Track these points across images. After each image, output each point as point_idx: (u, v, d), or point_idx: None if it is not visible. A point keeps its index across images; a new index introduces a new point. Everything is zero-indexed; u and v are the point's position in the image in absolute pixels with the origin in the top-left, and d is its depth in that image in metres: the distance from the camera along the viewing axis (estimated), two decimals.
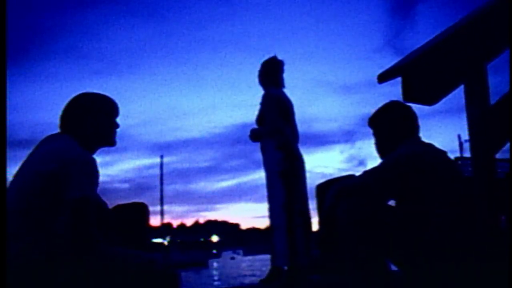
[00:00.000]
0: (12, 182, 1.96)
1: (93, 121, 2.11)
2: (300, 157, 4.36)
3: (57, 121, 2.12)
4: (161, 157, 49.86)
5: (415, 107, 2.31)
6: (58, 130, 2.09)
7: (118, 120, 2.23)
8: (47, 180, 1.85)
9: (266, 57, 4.58)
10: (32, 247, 1.79)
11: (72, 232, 1.81)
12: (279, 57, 4.56)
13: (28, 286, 1.76)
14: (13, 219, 1.82)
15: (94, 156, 2.07)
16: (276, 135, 4.24)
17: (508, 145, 2.22)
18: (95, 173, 1.95)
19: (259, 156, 4.46)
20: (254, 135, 4.42)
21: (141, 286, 1.88)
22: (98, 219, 1.93)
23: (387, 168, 2.16)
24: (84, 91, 2.19)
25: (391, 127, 2.35)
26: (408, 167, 2.10)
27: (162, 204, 46.28)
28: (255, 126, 4.45)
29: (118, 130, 2.22)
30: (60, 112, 2.13)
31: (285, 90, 4.55)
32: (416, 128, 2.35)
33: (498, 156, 2.24)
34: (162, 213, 46.26)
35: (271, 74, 4.49)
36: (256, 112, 4.47)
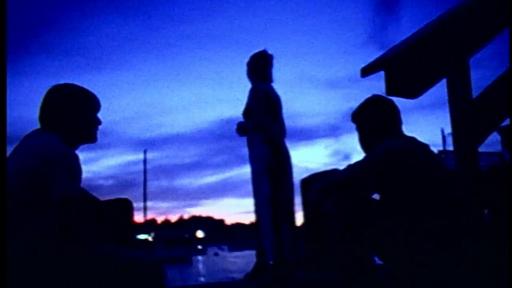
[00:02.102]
0: None
1: (73, 116, 2.06)
2: (287, 152, 4.35)
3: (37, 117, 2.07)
4: (145, 152, 49.23)
5: (398, 100, 2.33)
6: (39, 125, 2.06)
7: (99, 115, 2.18)
8: (30, 177, 1.82)
9: (254, 51, 4.56)
10: (17, 244, 1.77)
11: (56, 230, 1.79)
12: (269, 52, 4.55)
13: (13, 283, 1.74)
14: None
15: (77, 151, 2.05)
16: (263, 130, 4.23)
17: (490, 138, 2.25)
18: (78, 170, 1.92)
19: (244, 151, 4.44)
20: (241, 129, 4.40)
21: (127, 283, 1.86)
22: (85, 216, 1.91)
23: (371, 163, 2.17)
24: (63, 83, 2.13)
25: (374, 121, 2.36)
26: (391, 161, 2.11)
27: (145, 200, 46.00)
28: (242, 120, 4.43)
29: (99, 125, 2.17)
30: (39, 105, 2.07)
31: (273, 85, 4.54)
32: (399, 122, 2.36)
33: (481, 149, 2.26)
34: (145, 209, 46.03)
35: (260, 68, 4.47)
36: (243, 106, 4.45)
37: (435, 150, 2.32)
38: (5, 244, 1.73)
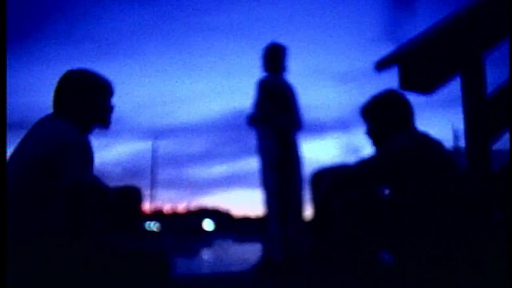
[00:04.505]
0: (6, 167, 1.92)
1: (86, 102, 2.05)
2: (296, 145, 4.33)
3: (50, 103, 2.07)
4: (154, 141, 49.56)
5: (411, 96, 2.30)
6: (51, 111, 2.05)
7: (113, 101, 2.16)
8: (41, 165, 1.81)
9: (267, 42, 4.57)
10: (25, 232, 1.77)
11: (66, 218, 1.79)
12: (281, 43, 4.55)
13: (19, 271, 1.74)
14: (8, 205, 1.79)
15: (90, 136, 2.04)
16: (270, 122, 4.22)
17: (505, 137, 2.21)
18: (89, 156, 1.91)
19: (253, 142, 4.44)
20: (251, 121, 4.40)
21: (132, 273, 1.86)
22: (94, 203, 1.90)
23: (382, 159, 2.15)
24: (77, 68, 2.11)
25: (386, 116, 2.33)
26: (403, 158, 2.09)
27: (153, 189, 46.25)
28: (252, 112, 4.42)
29: (113, 110, 2.16)
30: (53, 91, 2.06)
31: (288, 76, 4.52)
32: (411, 118, 2.33)
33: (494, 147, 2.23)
34: (153, 198, 46.28)
35: (270, 59, 4.47)
36: (252, 97, 4.45)
37: (447, 146, 2.29)
38: (5, 243, 1.73)
